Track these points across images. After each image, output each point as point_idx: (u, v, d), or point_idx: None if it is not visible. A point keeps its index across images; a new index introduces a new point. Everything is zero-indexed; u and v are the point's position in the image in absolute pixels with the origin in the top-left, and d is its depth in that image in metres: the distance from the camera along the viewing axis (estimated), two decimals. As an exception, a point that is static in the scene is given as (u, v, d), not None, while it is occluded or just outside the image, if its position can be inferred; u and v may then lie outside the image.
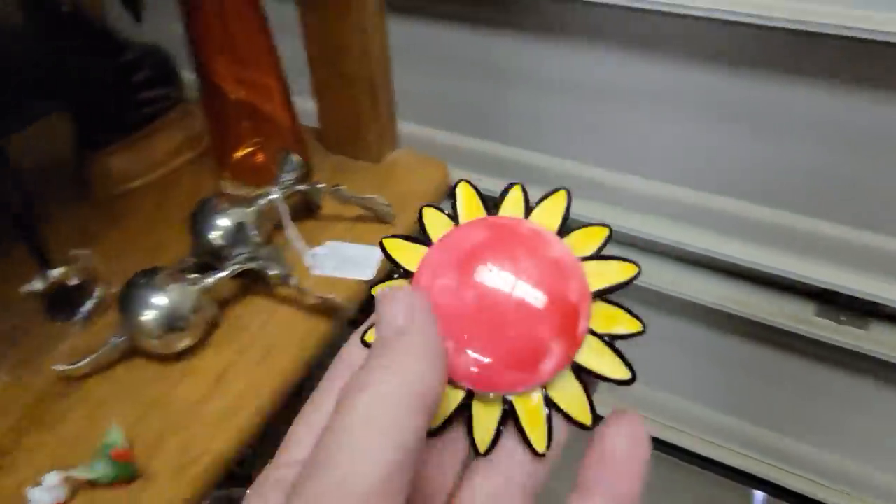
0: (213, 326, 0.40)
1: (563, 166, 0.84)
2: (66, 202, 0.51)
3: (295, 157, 0.44)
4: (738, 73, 0.67)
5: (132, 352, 0.39)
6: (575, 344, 0.17)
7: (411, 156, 0.52)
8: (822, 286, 0.76)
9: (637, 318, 0.18)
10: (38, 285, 0.42)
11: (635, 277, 0.18)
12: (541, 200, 0.20)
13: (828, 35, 0.57)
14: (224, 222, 0.42)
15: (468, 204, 0.20)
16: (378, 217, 0.46)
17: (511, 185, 0.20)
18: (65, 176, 0.52)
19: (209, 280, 0.39)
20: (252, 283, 0.43)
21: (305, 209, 0.47)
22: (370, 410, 0.14)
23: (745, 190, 0.76)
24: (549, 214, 0.19)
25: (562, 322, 0.17)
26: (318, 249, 0.45)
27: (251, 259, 0.40)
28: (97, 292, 0.42)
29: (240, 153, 0.50)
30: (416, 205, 0.48)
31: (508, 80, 0.81)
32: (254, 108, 0.47)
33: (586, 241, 0.19)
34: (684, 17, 0.63)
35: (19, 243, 0.43)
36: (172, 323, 0.37)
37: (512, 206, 0.20)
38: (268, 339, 0.40)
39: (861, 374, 0.84)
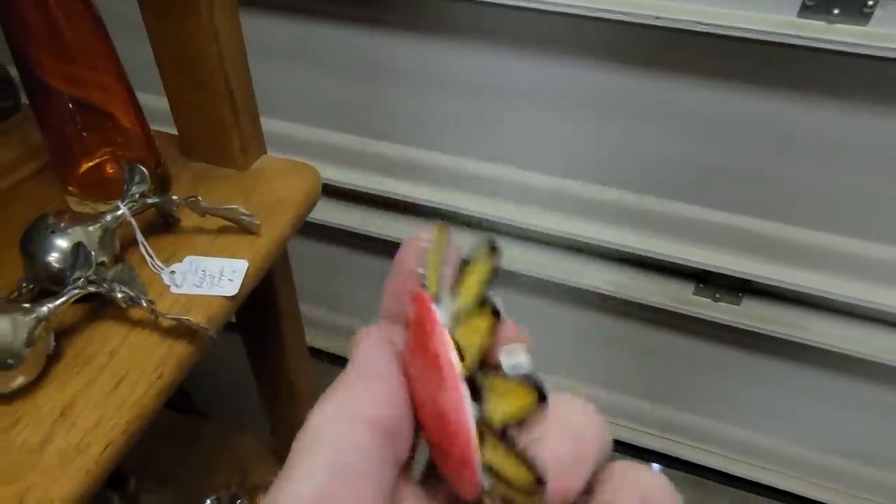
0: (53, 359, 0.37)
1: (446, 161, 0.84)
2: None
3: (141, 169, 0.41)
4: (614, 69, 0.70)
5: (-43, 395, 0.35)
6: None
7: (280, 161, 0.50)
8: (699, 267, 0.81)
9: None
10: None
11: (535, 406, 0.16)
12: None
13: (692, 32, 0.60)
14: (62, 243, 0.38)
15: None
16: (242, 228, 0.44)
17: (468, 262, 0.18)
18: None
19: (44, 308, 0.36)
20: (100, 307, 0.40)
21: (163, 223, 0.44)
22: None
23: (623, 179, 0.79)
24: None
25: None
26: (176, 266, 0.42)
27: (93, 282, 0.37)
28: None
29: (86, 166, 0.45)
30: (286, 212, 0.46)
31: (389, 78, 0.80)
32: (97, 113, 0.43)
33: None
34: (562, 14, 0.64)
35: None
36: (2, 360, 0.34)
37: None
38: (119, 368, 0.37)
39: (736, 346, 0.90)
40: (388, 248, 0.96)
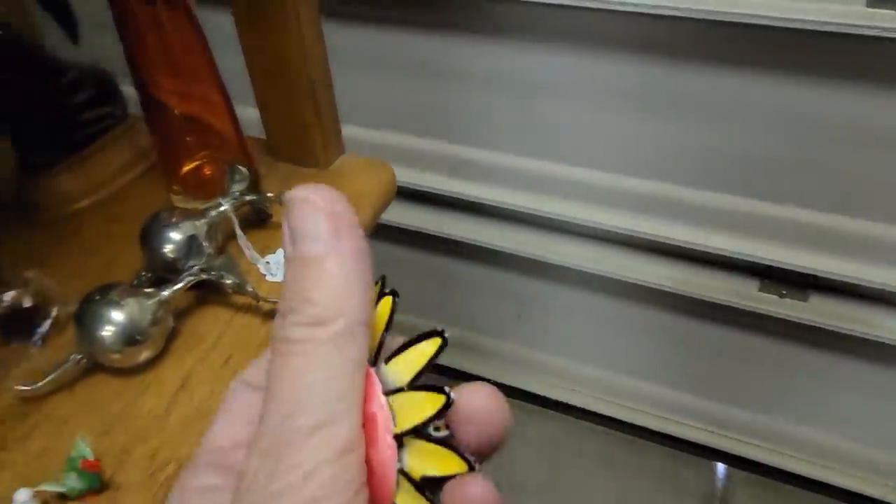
0: (171, 337, 0.41)
1: (504, 160, 0.87)
2: (10, 226, 0.50)
3: (241, 169, 0.45)
4: (673, 65, 0.71)
5: (93, 367, 0.40)
6: None
7: (357, 160, 0.53)
8: (764, 263, 0.81)
9: (464, 458, 0.18)
10: (-10, 310, 0.42)
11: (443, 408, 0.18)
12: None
13: (754, 25, 0.61)
14: (176, 235, 0.43)
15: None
16: (329, 221, 0.48)
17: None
18: (6, 201, 0.52)
19: (165, 293, 0.40)
20: (207, 293, 0.44)
21: (256, 219, 0.48)
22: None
23: (684, 175, 0.80)
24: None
25: None
26: (270, 257, 0.46)
27: (204, 270, 0.41)
28: (53, 312, 0.43)
29: (187, 167, 0.50)
30: (365, 207, 0.49)
31: (448, 79, 0.83)
32: (198, 122, 0.48)
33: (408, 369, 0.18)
34: (612, 12, 0.66)
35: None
36: (131, 337, 0.38)
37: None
38: (227, 347, 0.41)
39: (804, 343, 0.89)
40: (445, 247, 0.98)
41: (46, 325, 0.42)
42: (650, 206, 0.83)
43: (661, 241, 0.84)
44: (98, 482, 0.34)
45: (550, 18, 0.72)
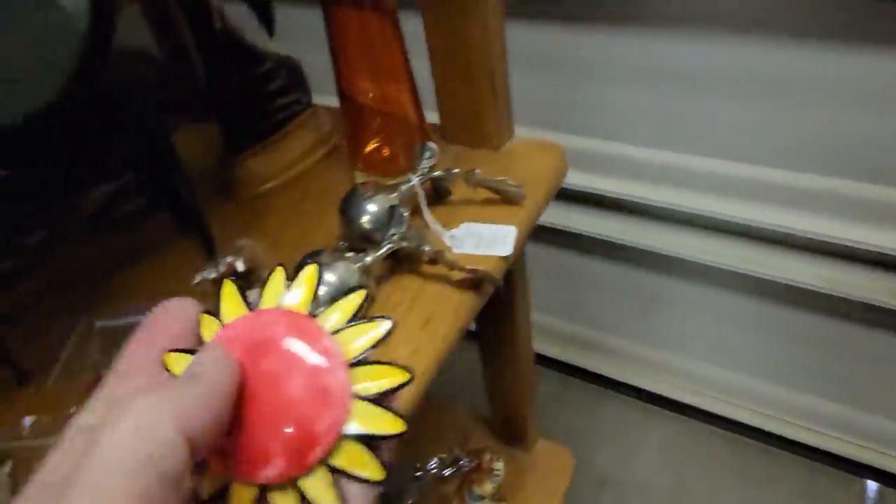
0: (370, 302, 0.44)
1: (636, 153, 0.86)
2: (210, 203, 0.55)
3: (432, 146, 0.48)
4: (822, 47, 0.68)
5: (301, 327, 0.43)
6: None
7: (528, 142, 0.55)
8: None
9: (400, 417, 0.21)
10: (209, 273, 0.46)
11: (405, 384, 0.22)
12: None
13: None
14: (372, 207, 0.46)
15: (230, 302, 0.24)
16: (506, 199, 0.49)
17: (273, 270, 0.25)
18: (206, 179, 0.57)
19: (368, 258, 0.43)
20: (395, 264, 0.47)
21: (435, 196, 0.51)
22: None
23: (835, 167, 0.76)
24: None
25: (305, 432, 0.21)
26: (454, 231, 0.48)
27: (404, 238, 0.44)
28: (264, 276, 0.46)
29: (370, 147, 0.54)
30: (539, 186, 0.50)
31: (576, 71, 0.83)
32: (389, 115, 0.51)
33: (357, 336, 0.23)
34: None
35: (178, 242, 0.48)
36: (341, 298, 0.41)
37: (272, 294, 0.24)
38: (422, 310, 0.43)
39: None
40: (570, 241, 0.98)
41: (258, 289, 0.46)
42: (793, 198, 0.80)
43: (804, 236, 0.80)
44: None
45: (689, 3, 0.71)
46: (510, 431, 0.77)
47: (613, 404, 1.15)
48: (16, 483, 0.37)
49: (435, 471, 0.75)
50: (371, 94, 0.50)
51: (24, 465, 0.38)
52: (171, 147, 0.46)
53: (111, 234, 0.47)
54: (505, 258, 0.46)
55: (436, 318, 0.43)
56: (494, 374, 0.71)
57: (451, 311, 0.43)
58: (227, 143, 0.56)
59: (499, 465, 0.67)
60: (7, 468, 0.38)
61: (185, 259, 0.50)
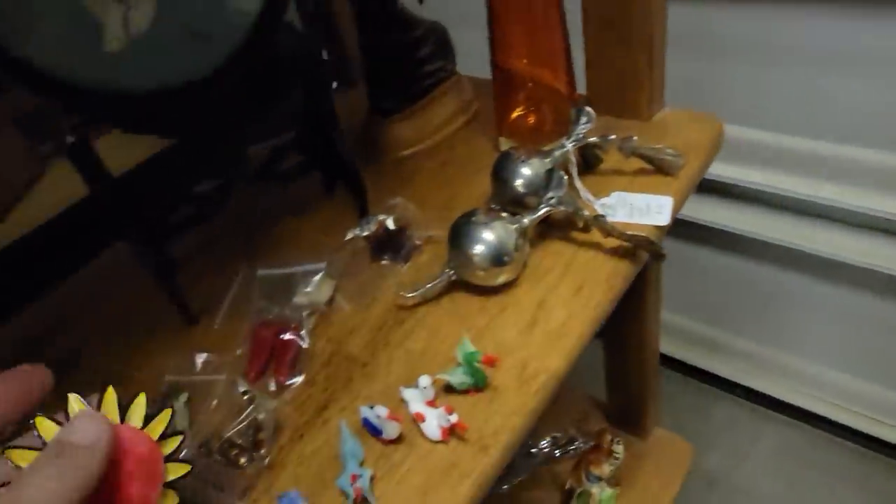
0: (523, 265, 0.44)
1: (764, 138, 0.80)
2: (361, 164, 0.57)
3: (589, 111, 0.47)
4: None
5: (453, 285, 0.44)
6: None
7: (681, 113, 0.53)
8: None
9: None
10: (364, 230, 0.48)
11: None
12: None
13: None
14: (526, 171, 0.45)
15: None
16: (660, 169, 0.48)
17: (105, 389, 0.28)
18: (351, 142, 0.59)
19: (525, 220, 0.43)
20: (546, 229, 0.46)
21: (584, 164, 0.50)
22: None
23: None
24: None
25: None
26: (605, 199, 0.47)
27: (562, 202, 0.43)
28: (414, 235, 0.47)
29: (515, 114, 0.53)
30: (696, 157, 0.48)
31: (707, 51, 0.78)
32: (539, 78, 0.51)
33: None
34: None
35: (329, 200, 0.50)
36: (499, 258, 0.41)
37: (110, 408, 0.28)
38: (575, 277, 0.43)
39: None
40: (687, 231, 0.94)
41: (409, 246, 0.47)
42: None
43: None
44: (482, 380, 0.37)
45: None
46: (627, 416, 0.75)
47: (726, 405, 1.10)
48: (192, 412, 0.40)
49: (547, 450, 0.74)
50: (525, 61, 0.49)
51: (197, 397, 0.41)
52: (332, 107, 0.47)
53: (272, 188, 0.49)
54: (661, 228, 0.45)
55: (588, 285, 0.42)
56: (617, 362, 0.70)
57: (605, 279, 0.42)
58: (373, 106, 0.57)
59: (619, 449, 0.66)
60: (184, 398, 0.41)
61: (336, 216, 0.52)
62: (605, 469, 0.66)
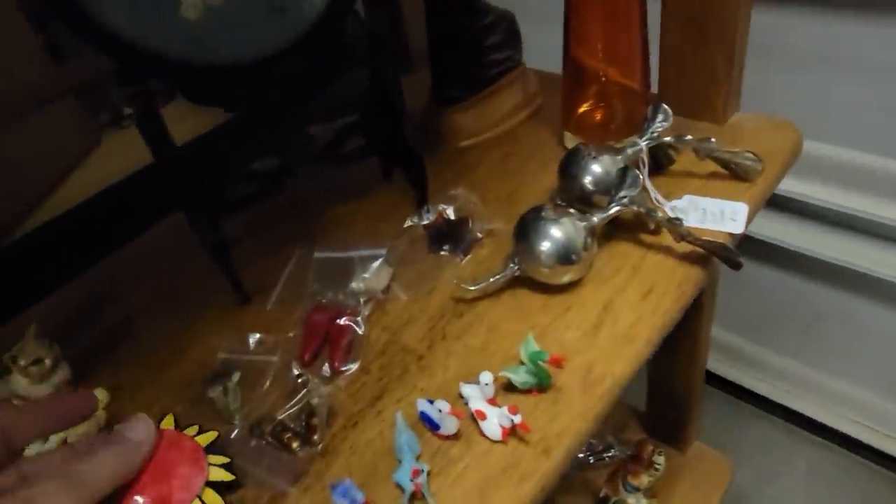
0: (590, 265, 0.42)
1: (813, 148, 0.77)
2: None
3: (666, 109, 0.45)
4: None
5: (515, 281, 0.42)
6: None
7: (757, 117, 0.51)
8: None
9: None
10: (424, 218, 0.46)
11: None
12: None
13: None
14: (597, 168, 0.44)
15: None
16: (736, 174, 0.46)
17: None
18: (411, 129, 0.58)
19: (594, 219, 0.41)
20: (612, 229, 0.45)
21: (653, 165, 0.48)
22: None
23: None
24: None
25: None
26: (676, 202, 0.45)
27: (634, 202, 0.41)
28: (475, 227, 0.46)
29: (582, 109, 0.52)
30: (773, 164, 0.46)
31: (775, 57, 0.75)
32: (612, 75, 0.49)
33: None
34: None
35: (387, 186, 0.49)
36: (566, 256, 0.40)
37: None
38: (644, 281, 0.41)
39: None
40: (745, 247, 0.91)
41: (469, 238, 0.46)
42: None
43: None
44: (546, 381, 0.36)
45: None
46: (667, 428, 0.73)
47: (759, 422, 1.07)
48: (244, 389, 0.39)
49: (582, 455, 0.73)
50: (600, 55, 0.48)
51: (248, 377, 0.40)
52: (400, 91, 0.46)
53: (332, 171, 0.48)
54: (734, 236, 0.43)
55: (657, 289, 0.40)
56: (664, 373, 0.68)
57: (675, 284, 0.40)
58: (435, 93, 0.56)
59: (660, 460, 0.64)
60: (236, 377, 0.40)
61: (393, 203, 0.51)
62: (644, 480, 0.64)
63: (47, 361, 0.40)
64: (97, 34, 0.34)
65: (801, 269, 0.90)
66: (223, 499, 0.32)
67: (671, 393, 0.69)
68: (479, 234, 0.46)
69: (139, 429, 0.30)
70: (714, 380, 1.10)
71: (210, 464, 0.33)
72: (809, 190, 0.80)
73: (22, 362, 0.39)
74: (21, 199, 0.57)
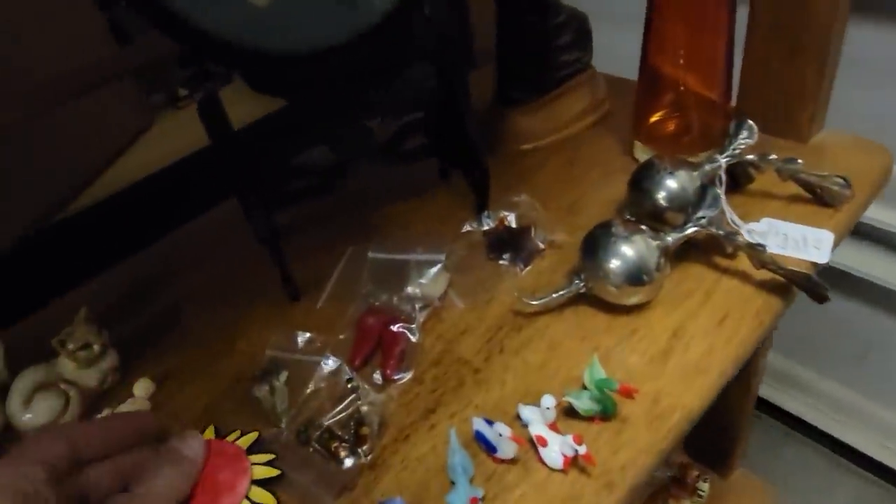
0: (660, 287, 0.40)
1: None
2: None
3: (751, 124, 0.42)
4: None
5: (578, 298, 0.40)
6: None
7: (844, 136, 0.48)
8: None
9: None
10: (483, 224, 0.45)
11: None
12: None
13: None
14: (672, 184, 0.41)
15: None
16: (820, 199, 0.43)
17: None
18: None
19: (668, 238, 0.39)
20: (684, 251, 0.42)
21: (731, 183, 0.45)
22: None
23: None
24: None
25: None
26: (754, 225, 0.42)
27: (711, 223, 0.39)
28: (538, 237, 0.44)
29: (654, 118, 0.49)
30: (861, 189, 0.43)
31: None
32: (691, 84, 0.46)
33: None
34: None
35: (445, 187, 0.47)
36: (637, 276, 0.38)
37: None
38: (718, 307, 0.39)
39: None
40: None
41: (533, 247, 0.44)
42: None
43: None
44: (611, 410, 0.34)
45: None
46: (711, 453, 0.70)
47: (801, 448, 1.03)
48: (291, 390, 0.38)
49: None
50: (681, 62, 0.45)
51: (295, 377, 0.39)
52: (466, 91, 0.44)
53: (389, 169, 0.47)
54: (817, 265, 0.40)
55: (733, 317, 0.38)
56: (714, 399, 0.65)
57: (753, 313, 0.38)
58: (500, 94, 0.54)
59: (704, 487, 0.61)
60: (284, 377, 0.39)
61: (451, 205, 0.50)
62: (686, 505, 0.62)
63: (96, 347, 0.39)
64: (165, 17, 0.33)
65: (860, 295, 0.86)
66: (272, 493, 0.32)
67: (720, 418, 0.66)
68: (541, 245, 0.44)
69: (194, 446, 0.32)
70: (770, 409, 1.06)
71: (253, 463, 0.33)
72: (875, 212, 0.76)
73: (70, 346, 0.39)
74: (77, 175, 0.57)
